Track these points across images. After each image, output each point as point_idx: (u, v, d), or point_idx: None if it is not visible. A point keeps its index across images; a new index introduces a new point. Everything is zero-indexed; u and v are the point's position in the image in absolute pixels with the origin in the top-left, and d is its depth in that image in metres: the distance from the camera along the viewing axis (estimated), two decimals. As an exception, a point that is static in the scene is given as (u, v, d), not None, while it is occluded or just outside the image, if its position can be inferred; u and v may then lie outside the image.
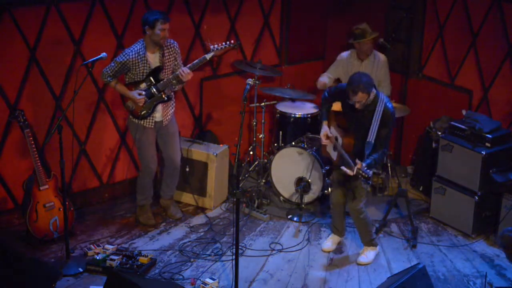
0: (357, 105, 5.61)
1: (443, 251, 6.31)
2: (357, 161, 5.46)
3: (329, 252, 6.24)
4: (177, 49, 6.26)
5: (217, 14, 7.24)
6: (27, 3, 6.08)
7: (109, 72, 6.12)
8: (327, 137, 5.93)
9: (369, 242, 6.09)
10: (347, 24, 7.44)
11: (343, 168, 5.52)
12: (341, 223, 6.26)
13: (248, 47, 7.60)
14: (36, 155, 5.99)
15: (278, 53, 7.84)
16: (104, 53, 5.80)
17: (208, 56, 6.23)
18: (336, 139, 5.97)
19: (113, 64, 6.12)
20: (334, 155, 6.00)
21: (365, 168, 5.41)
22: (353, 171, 5.43)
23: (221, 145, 7.13)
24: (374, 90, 5.64)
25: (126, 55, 6.09)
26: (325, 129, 5.97)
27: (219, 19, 7.28)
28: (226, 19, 7.33)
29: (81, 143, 6.73)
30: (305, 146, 6.84)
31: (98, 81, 6.59)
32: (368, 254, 6.10)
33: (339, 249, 6.30)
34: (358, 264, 6.07)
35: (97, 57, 5.75)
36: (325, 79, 7.15)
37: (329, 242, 6.30)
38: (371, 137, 5.58)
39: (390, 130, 5.75)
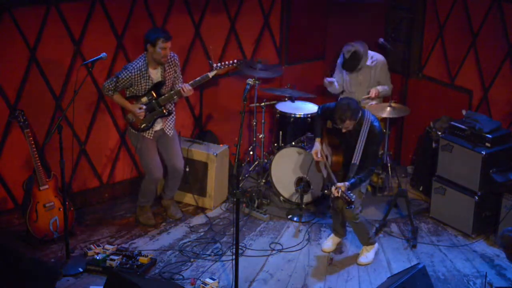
0: (343, 130, 5.70)
1: (443, 251, 6.31)
2: (339, 184, 5.57)
3: (329, 252, 6.24)
4: (177, 61, 6.27)
5: (217, 14, 7.23)
6: (27, 3, 6.08)
7: (110, 86, 6.11)
8: (318, 155, 5.98)
9: (367, 241, 6.09)
10: (347, 24, 7.43)
11: (332, 188, 5.65)
12: (342, 228, 6.26)
13: (248, 47, 7.60)
14: (36, 155, 5.99)
15: (278, 53, 7.83)
16: (104, 53, 5.79)
17: (211, 74, 6.27)
18: (327, 157, 5.99)
19: (114, 79, 6.11)
20: (325, 172, 6.04)
21: (349, 192, 5.52)
22: (338, 192, 5.53)
23: (221, 145, 7.13)
24: (360, 112, 5.69)
25: (128, 72, 6.09)
26: (316, 147, 6.02)
27: (219, 19, 7.28)
28: (226, 19, 7.32)
29: (81, 143, 6.72)
30: (305, 146, 6.84)
31: (98, 81, 6.59)
32: (368, 254, 6.09)
33: (339, 249, 6.30)
34: (359, 265, 6.07)
35: (97, 57, 5.74)
36: (334, 81, 7.16)
37: (329, 242, 6.30)
38: (356, 159, 5.67)
39: (377, 148, 5.86)
